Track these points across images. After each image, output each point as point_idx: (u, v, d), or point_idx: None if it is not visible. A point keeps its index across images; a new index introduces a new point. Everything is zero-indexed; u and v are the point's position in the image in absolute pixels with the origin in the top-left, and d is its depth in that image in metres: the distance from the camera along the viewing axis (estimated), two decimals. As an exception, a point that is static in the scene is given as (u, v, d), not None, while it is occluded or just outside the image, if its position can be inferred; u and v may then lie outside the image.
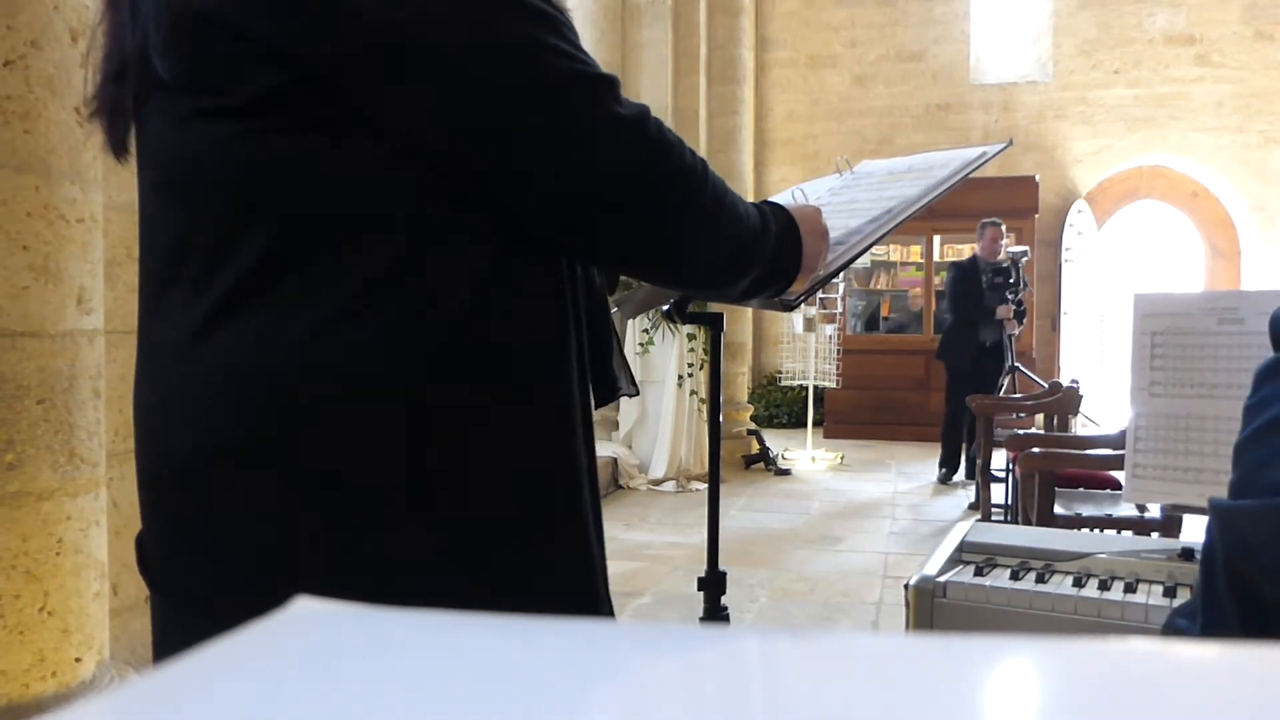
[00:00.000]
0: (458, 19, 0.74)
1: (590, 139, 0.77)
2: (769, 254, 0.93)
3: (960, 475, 6.42)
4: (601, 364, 0.97)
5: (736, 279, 0.93)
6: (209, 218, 0.78)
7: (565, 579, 0.86)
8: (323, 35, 0.74)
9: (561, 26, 0.78)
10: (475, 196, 0.79)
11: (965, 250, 9.46)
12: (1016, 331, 6.27)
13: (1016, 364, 6.24)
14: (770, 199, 1.10)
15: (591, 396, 0.92)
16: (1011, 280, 6.23)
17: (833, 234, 1.13)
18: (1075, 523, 3.13)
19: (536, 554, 0.83)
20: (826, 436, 8.65)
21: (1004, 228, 6.46)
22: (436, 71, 0.74)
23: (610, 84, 0.79)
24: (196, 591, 0.78)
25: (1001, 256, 6.43)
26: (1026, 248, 6.47)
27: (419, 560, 0.76)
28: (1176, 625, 0.89)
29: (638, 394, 1.18)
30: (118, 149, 0.87)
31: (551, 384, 0.83)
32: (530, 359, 0.82)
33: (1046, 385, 5.63)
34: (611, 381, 1.00)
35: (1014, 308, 6.16)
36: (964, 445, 6.25)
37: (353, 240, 0.76)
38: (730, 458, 6.88)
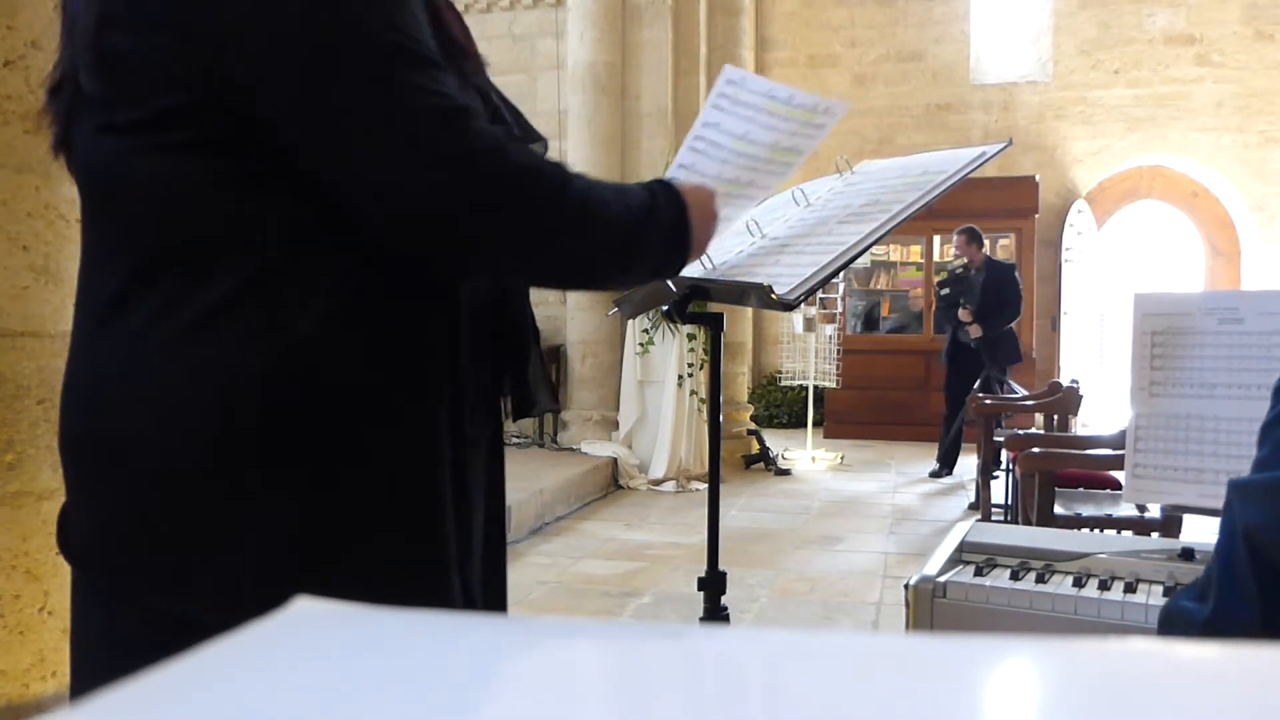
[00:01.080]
0: (322, 51, 0.80)
1: (443, 164, 0.81)
2: (654, 246, 0.96)
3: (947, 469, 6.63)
4: (517, 379, 1.02)
5: (619, 273, 0.99)
6: (99, 230, 0.87)
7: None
8: (197, 56, 0.79)
9: (423, 62, 0.82)
10: (335, 219, 0.83)
11: (965, 250, 9.47)
12: (970, 339, 6.32)
13: (992, 372, 6.19)
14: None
15: (469, 422, 0.92)
16: (945, 292, 6.51)
17: (833, 234, 1.13)
18: (1075, 523, 3.13)
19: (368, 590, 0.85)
20: (826, 436, 8.65)
21: (968, 236, 6.54)
22: (298, 101, 0.80)
23: (463, 113, 0.83)
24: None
25: (953, 265, 6.74)
26: (965, 260, 6.56)
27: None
28: (1182, 606, 0.88)
29: (559, 410, 1.22)
30: (64, 158, 0.93)
31: (406, 409, 0.86)
32: (382, 382, 0.85)
33: (1022, 392, 5.81)
34: (528, 396, 1.03)
35: (968, 314, 6.27)
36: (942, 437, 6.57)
37: (212, 261, 0.81)
38: (730, 458, 6.88)
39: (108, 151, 0.84)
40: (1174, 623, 0.91)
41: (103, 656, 0.84)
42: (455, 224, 0.83)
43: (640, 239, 0.95)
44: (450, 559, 0.88)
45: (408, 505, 0.86)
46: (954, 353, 6.50)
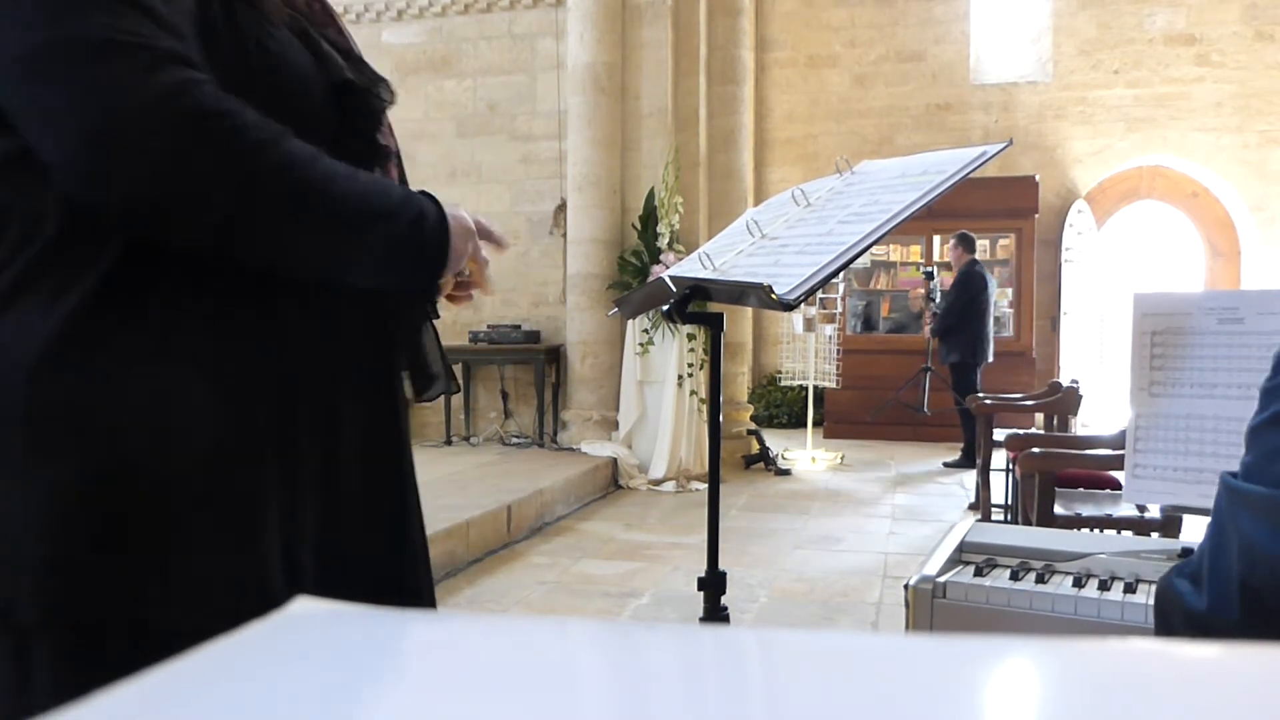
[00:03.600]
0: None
1: (106, 106, 0.74)
2: (395, 244, 0.88)
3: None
4: (413, 355, 0.99)
5: (344, 260, 0.87)
6: None
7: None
8: None
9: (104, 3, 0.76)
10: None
11: (965, 250, 9.48)
12: (927, 335, 7.48)
13: (929, 366, 7.65)
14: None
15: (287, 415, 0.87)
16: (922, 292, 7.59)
17: (832, 234, 1.13)
18: (1075, 523, 3.13)
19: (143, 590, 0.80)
20: (826, 436, 8.65)
21: (956, 240, 7.24)
22: None
23: (141, 50, 0.75)
24: None
25: (925, 268, 7.82)
26: (932, 269, 7.77)
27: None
28: (1178, 589, 0.88)
29: (457, 390, 1.20)
30: None
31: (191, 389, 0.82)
32: (165, 368, 0.81)
33: (957, 396, 6.61)
34: (423, 373, 1.00)
35: (931, 316, 7.28)
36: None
37: None
38: (730, 458, 6.88)
39: None
40: (1169, 601, 0.91)
41: None
42: (120, 173, 0.75)
43: (375, 229, 0.86)
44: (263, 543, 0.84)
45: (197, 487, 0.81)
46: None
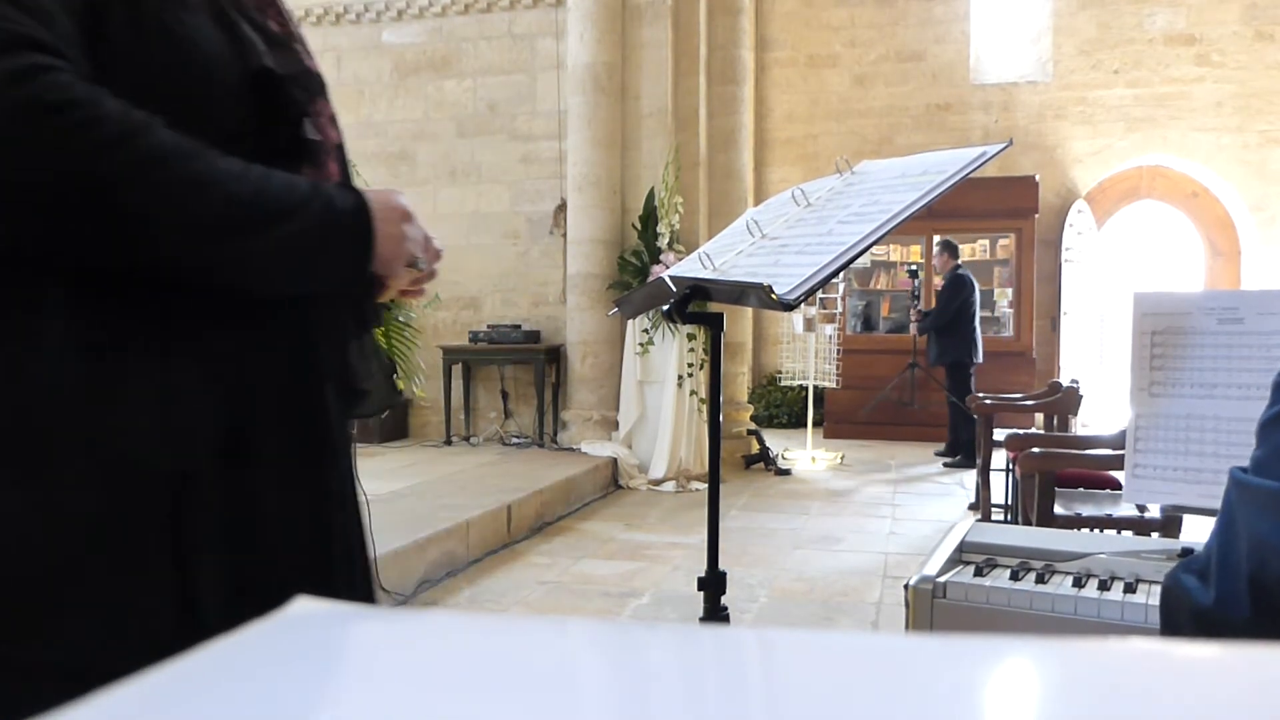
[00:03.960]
0: None
1: None
2: (296, 240, 0.81)
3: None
4: (339, 369, 0.92)
5: (237, 267, 0.80)
6: None
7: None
8: None
9: None
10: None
11: (965, 250, 9.48)
12: (913, 332, 7.79)
13: (915, 363, 7.95)
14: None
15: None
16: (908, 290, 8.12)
17: (833, 234, 1.12)
18: (1075, 523, 3.13)
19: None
20: (826, 436, 8.65)
21: (940, 247, 7.53)
22: None
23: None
24: None
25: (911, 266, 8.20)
26: (917, 267, 8.19)
27: None
28: (1184, 584, 0.88)
29: (400, 402, 1.13)
30: None
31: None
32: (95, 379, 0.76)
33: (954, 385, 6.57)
34: (352, 385, 0.93)
35: (916, 314, 7.67)
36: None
37: None
38: (730, 458, 6.88)
39: None
40: (1176, 598, 0.90)
41: None
42: None
43: (266, 226, 0.79)
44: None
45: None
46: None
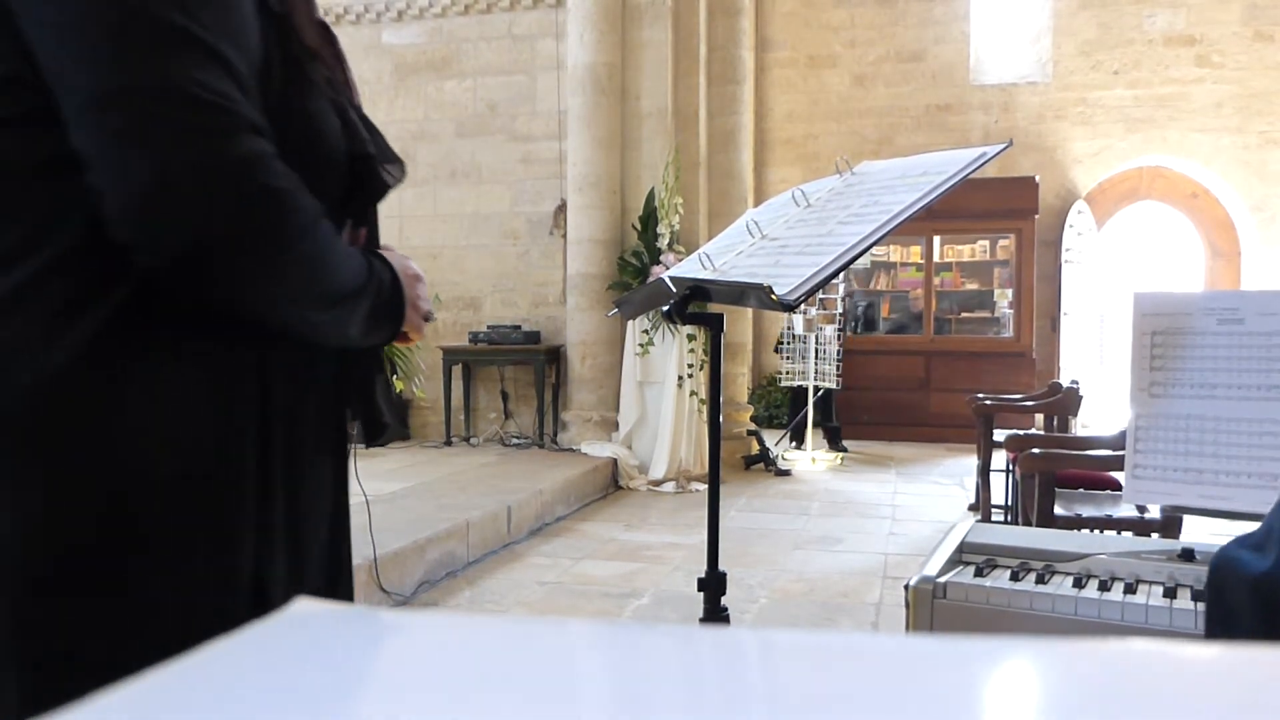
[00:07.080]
0: (83, 18, 0.76)
1: (186, 163, 0.76)
2: (368, 312, 0.93)
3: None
4: (366, 404, 1.03)
5: (329, 326, 0.92)
6: None
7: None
8: (5, 22, 0.77)
9: (207, 54, 0.78)
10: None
11: (965, 251, 9.48)
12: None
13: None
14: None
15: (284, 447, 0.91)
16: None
17: (833, 234, 1.12)
18: (1075, 523, 3.13)
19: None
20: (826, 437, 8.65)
21: None
22: (57, 75, 0.76)
23: (224, 114, 0.78)
24: None
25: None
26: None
27: None
28: (1236, 555, 0.88)
29: (407, 437, 1.24)
30: None
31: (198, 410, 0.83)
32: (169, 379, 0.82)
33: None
34: (375, 419, 1.04)
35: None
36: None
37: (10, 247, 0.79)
38: (730, 458, 6.88)
39: None
40: (1226, 570, 0.90)
41: None
42: (181, 229, 0.77)
43: (356, 301, 0.92)
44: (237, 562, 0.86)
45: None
46: None
